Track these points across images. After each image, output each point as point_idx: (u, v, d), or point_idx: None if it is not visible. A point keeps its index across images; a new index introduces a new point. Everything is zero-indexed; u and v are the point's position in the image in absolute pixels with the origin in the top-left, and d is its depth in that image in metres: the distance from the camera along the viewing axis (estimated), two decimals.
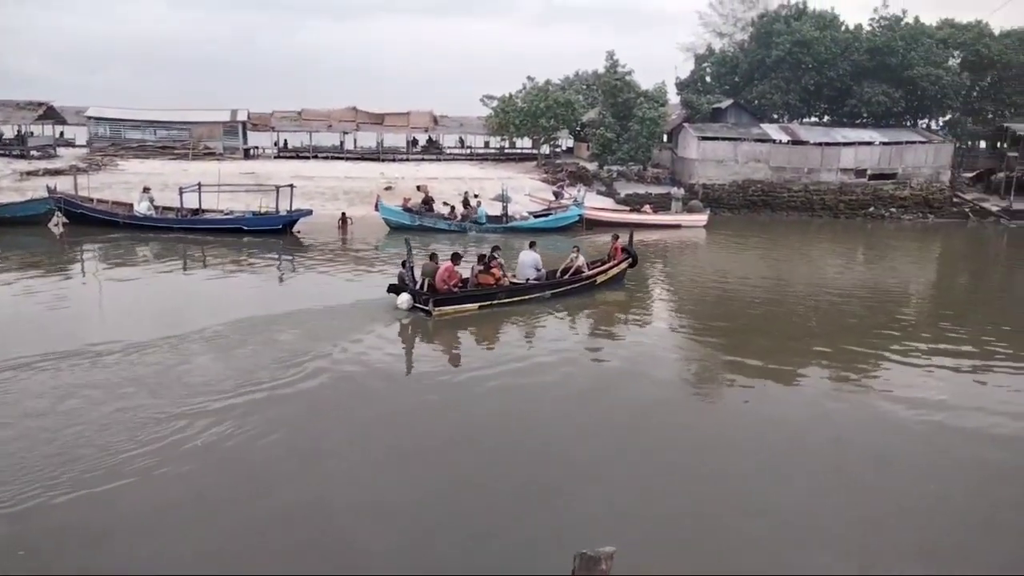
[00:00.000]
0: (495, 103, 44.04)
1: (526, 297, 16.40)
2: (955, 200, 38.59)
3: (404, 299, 15.22)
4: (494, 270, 16.15)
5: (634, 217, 31.59)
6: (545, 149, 46.37)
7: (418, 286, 15.46)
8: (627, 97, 40.01)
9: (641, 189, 38.32)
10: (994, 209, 37.64)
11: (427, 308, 14.89)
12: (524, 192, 33.94)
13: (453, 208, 29.29)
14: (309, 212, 27.70)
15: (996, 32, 45.19)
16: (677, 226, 31.11)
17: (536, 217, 29.67)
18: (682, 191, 36.27)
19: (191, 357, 11.96)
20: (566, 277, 17.55)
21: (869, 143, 39.41)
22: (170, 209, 27.00)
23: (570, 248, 18.59)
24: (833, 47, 42.54)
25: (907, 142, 39.62)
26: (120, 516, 7.39)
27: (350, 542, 7.12)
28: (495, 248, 17.37)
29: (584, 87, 52.97)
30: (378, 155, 45.72)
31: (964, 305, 19.70)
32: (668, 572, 6.74)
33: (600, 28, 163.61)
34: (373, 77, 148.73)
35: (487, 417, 10.31)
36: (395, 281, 16.02)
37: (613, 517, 7.63)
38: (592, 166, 41.13)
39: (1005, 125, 41.85)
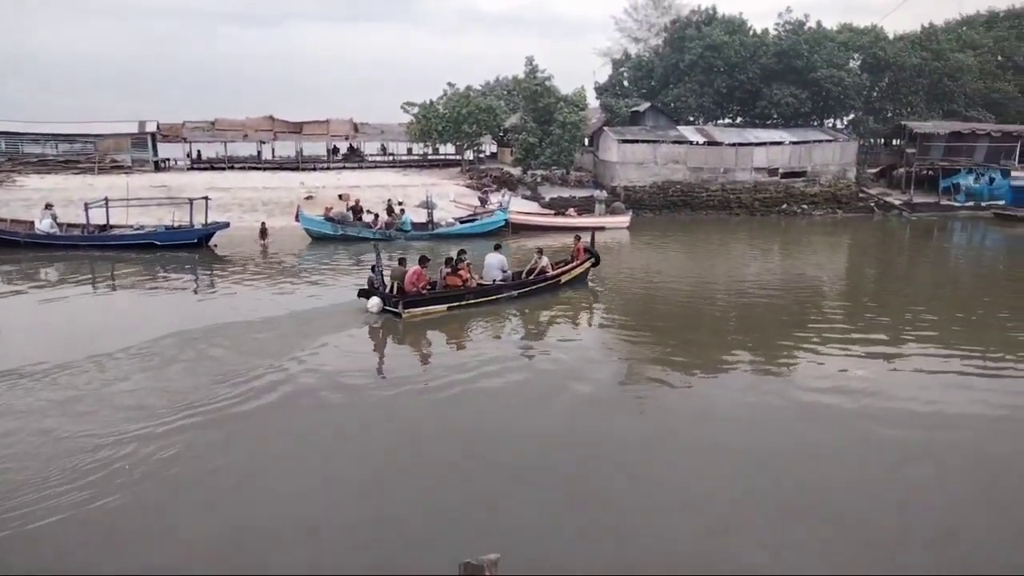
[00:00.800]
0: (416, 110, 43.71)
1: (493, 298, 16.81)
2: (861, 195, 40.54)
3: (375, 302, 15.58)
4: (461, 272, 16.56)
5: (559, 220, 31.84)
6: (469, 155, 46.31)
7: (388, 289, 15.83)
8: (547, 102, 40.33)
9: (565, 192, 38.72)
10: (897, 203, 39.73)
11: (397, 310, 15.26)
12: (449, 198, 33.75)
13: (376, 216, 28.84)
14: (226, 225, 26.77)
15: (891, 36, 47.91)
16: (601, 228, 31.39)
17: (462, 223, 29.53)
18: (605, 193, 36.83)
19: (118, 378, 11.36)
20: (531, 277, 17.99)
21: (780, 143, 40.98)
22: (75, 226, 25.62)
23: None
24: (742, 51, 44.07)
25: (815, 141, 41.38)
26: (48, 557, 6.90)
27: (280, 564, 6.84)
28: (462, 251, 17.45)
29: (505, 92, 53.18)
30: (297, 164, 44.73)
31: (876, 295, 20.65)
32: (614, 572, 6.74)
33: (518, 34, 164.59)
34: (290, 85, 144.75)
35: (440, 426, 10.14)
36: (362, 286, 16.33)
37: (546, 518, 7.60)
38: (516, 171, 41.32)
39: (903, 123, 44.30)
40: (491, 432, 9.92)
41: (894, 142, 48.46)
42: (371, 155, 52.14)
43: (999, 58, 48.70)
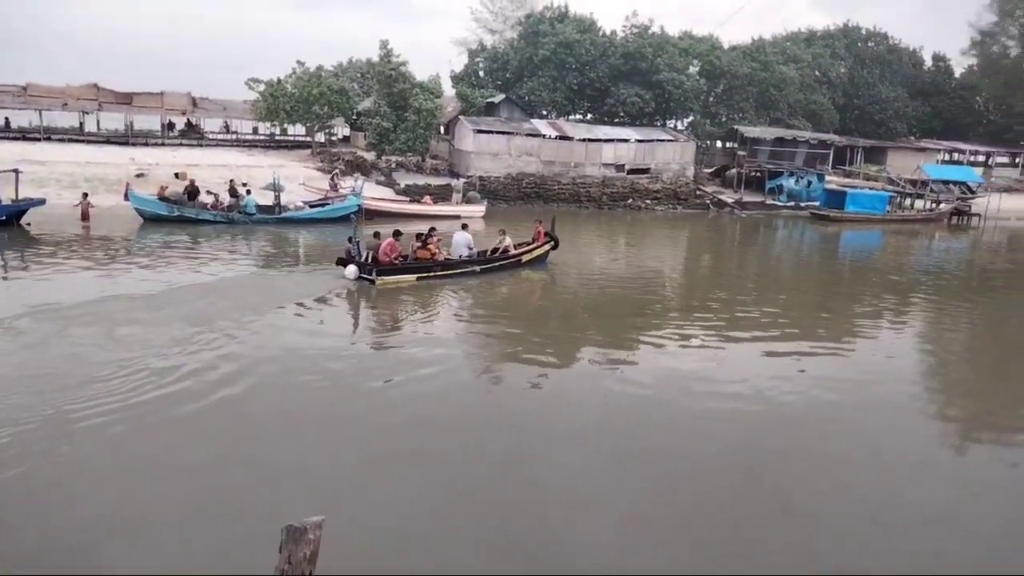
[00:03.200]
0: (262, 87, 41.44)
1: (458, 271, 18.43)
2: (699, 193, 43.29)
3: (351, 270, 17.15)
4: (431, 246, 18.26)
5: (414, 207, 31.44)
6: (320, 137, 44.63)
7: (363, 258, 17.27)
8: (402, 87, 39.65)
9: (421, 180, 38.32)
10: (729, 201, 42.80)
11: (371, 278, 16.89)
12: (299, 181, 32.34)
13: (217, 197, 27.08)
14: (42, 202, 24.17)
15: (726, 46, 51.54)
16: (456, 217, 31.41)
17: (312, 207, 28.40)
18: (463, 182, 36.83)
19: None
20: (495, 255, 19.59)
21: (626, 140, 42.82)
22: None
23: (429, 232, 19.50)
24: (592, 50, 45.67)
25: (658, 140, 43.64)
26: None
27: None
28: (432, 229, 19.22)
29: (358, 75, 51.80)
30: (127, 139, 41.05)
31: (712, 286, 22.06)
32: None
33: (371, 16, 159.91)
34: (118, 54, 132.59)
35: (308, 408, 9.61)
36: (341, 255, 17.88)
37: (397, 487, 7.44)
38: (370, 156, 40.36)
39: (735, 127, 47.82)
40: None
41: (727, 144, 52.18)
42: (212, 133, 48.92)
43: (816, 73, 53.83)
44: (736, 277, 23.93)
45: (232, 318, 13.60)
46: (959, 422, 11.31)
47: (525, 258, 20.22)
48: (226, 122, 50.08)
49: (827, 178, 45.24)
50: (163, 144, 41.50)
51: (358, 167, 37.99)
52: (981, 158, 57.98)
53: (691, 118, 51.07)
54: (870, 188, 43.91)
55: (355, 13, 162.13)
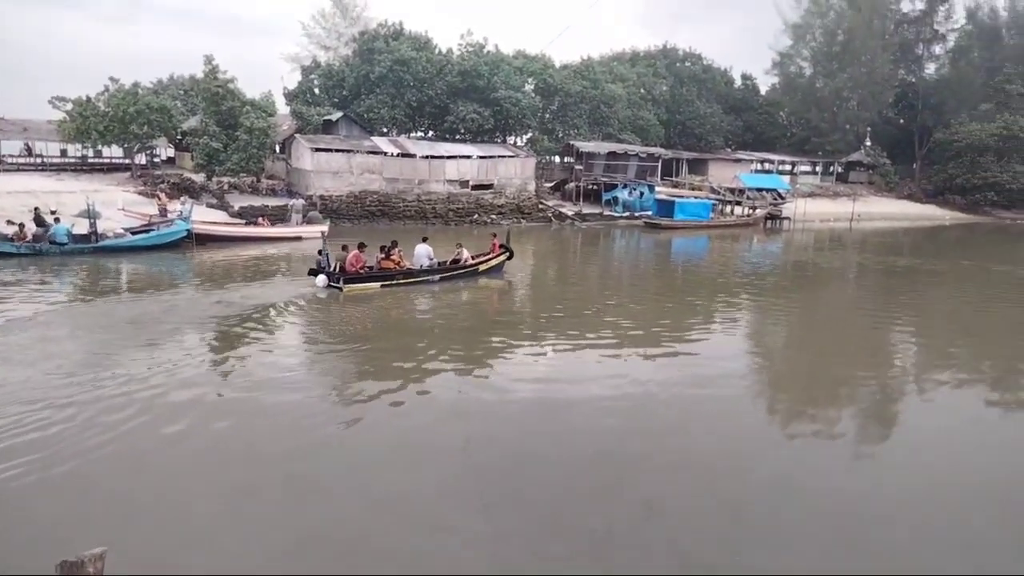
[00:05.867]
0: (70, 106, 37.76)
1: (419, 280, 20.04)
2: (541, 207, 44.46)
3: (321, 279, 18.78)
4: (393, 257, 20.05)
5: (250, 231, 29.86)
6: (141, 158, 41.33)
7: (332, 269, 18.85)
8: (232, 105, 37.69)
9: (257, 201, 36.49)
10: (569, 213, 44.31)
11: (339, 286, 18.39)
12: (117, 206, 29.68)
13: (22, 227, 24.23)
14: None
15: (557, 65, 53.54)
16: (298, 238, 30.13)
17: (135, 234, 26.12)
18: (302, 202, 35.46)
19: None
20: (452, 265, 21.24)
21: (468, 156, 43.23)
22: None
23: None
24: (429, 67, 45.80)
25: (499, 156, 44.42)
26: None
27: None
28: (394, 242, 20.69)
29: (182, 92, 48.69)
30: None
31: (560, 294, 22.61)
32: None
33: (193, 31, 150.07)
34: None
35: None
36: (313, 267, 19.49)
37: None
38: (199, 177, 37.90)
39: (571, 143, 49.66)
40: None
41: (565, 159, 54.10)
42: (11, 156, 43.96)
43: (641, 90, 57.22)
44: (583, 286, 24.68)
45: (89, 354, 12.54)
46: (790, 406, 12.21)
47: (482, 267, 21.88)
48: (28, 144, 45.25)
49: (657, 189, 48.06)
50: None
51: (185, 190, 35.55)
52: (788, 167, 64.15)
53: (529, 134, 52.47)
54: (695, 197, 47.16)
55: (174, 27, 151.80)
